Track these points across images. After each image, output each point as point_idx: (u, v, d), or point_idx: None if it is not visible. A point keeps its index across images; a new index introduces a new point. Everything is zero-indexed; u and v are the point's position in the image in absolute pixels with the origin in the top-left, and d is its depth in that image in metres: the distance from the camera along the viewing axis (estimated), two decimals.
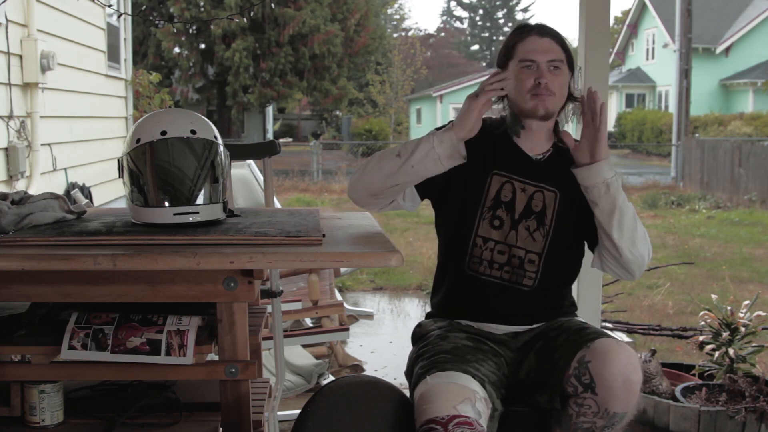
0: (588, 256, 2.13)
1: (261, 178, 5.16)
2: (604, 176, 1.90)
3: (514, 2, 44.68)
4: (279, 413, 2.82)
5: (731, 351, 2.91)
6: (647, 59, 28.81)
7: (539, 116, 1.98)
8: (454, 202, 2.05)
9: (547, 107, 1.97)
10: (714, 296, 3.25)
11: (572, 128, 3.37)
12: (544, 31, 2.00)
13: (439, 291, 2.14)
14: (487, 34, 45.51)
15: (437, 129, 1.98)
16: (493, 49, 43.54)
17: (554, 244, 2.01)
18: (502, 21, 45.01)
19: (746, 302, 3.12)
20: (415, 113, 30.46)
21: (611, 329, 4.07)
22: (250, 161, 5.27)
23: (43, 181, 4.85)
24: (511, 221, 2.01)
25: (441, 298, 2.12)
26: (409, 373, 2.01)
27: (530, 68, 1.96)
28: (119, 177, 1.79)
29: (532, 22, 2.16)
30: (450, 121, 1.97)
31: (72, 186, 5.46)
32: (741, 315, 3.00)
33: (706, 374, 3.03)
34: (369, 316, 5.32)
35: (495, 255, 2.01)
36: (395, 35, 32.95)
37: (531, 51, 1.97)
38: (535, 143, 2.04)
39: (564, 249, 2.04)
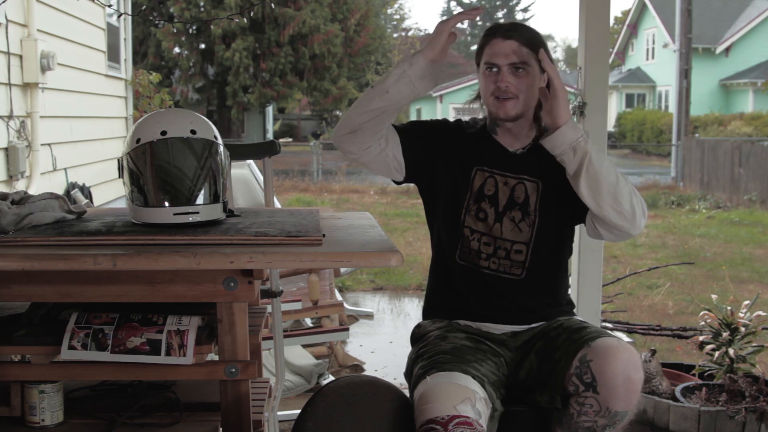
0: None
1: (261, 178, 5.16)
2: (569, 140, 1.88)
3: (514, 2, 44.67)
4: (279, 413, 2.82)
5: (731, 351, 2.90)
6: (647, 59, 28.81)
7: (501, 119, 2.01)
8: (442, 196, 2.08)
9: (507, 111, 1.98)
10: (714, 296, 3.25)
11: None
12: (509, 33, 1.98)
13: (434, 282, 2.16)
14: None
15: None
16: None
17: (541, 232, 2.03)
18: (502, 21, 44.97)
19: (746, 302, 3.11)
20: (415, 113, 30.47)
21: (611, 329, 4.07)
22: (250, 161, 5.27)
23: (43, 181, 4.85)
24: (496, 214, 2.03)
25: (436, 289, 2.14)
26: (408, 374, 2.01)
27: (492, 71, 1.98)
28: (119, 177, 1.79)
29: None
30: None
31: (72, 186, 5.45)
32: (741, 315, 3.00)
33: (706, 374, 3.03)
34: (369, 316, 5.32)
35: (482, 246, 2.04)
36: (395, 35, 32.91)
37: (493, 54, 1.98)
38: (513, 139, 2.06)
39: (552, 237, 2.05)
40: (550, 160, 2.00)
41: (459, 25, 1.99)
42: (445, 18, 1.93)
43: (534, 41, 1.98)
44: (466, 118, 2.18)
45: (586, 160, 1.87)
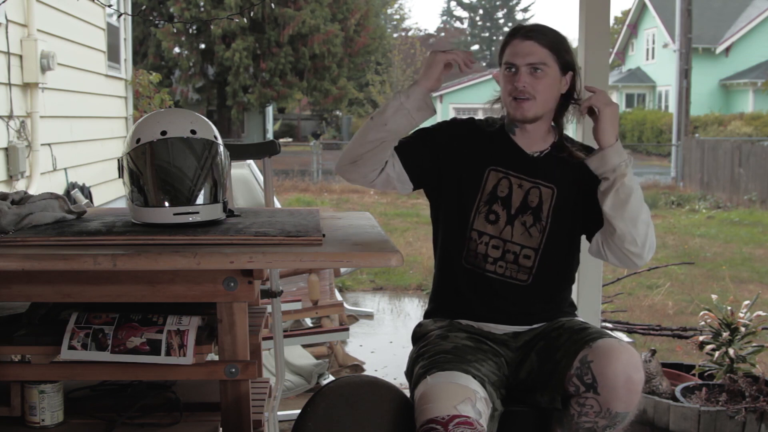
0: (585, 247, 2.13)
1: (261, 178, 5.16)
2: (611, 164, 1.90)
3: (514, 2, 44.67)
4: (279, 413, 2.82)
5: (731, 351, 2.90)
6: (647, 59, 28.81)
7: (518, 120, 2.00)
8: (450, 197, 2.06)
9: (524, 112, 1.97)
10: (714, 296, 3.25)
11: (572, 128, 3.38)
12: (529, 33, 1.98)
13: (438, 285, 2.15)
14: (487, 34, 45.49)
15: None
16: (493, 49, 43.50)
17: (551, 239, 2.02)
18: (502, 21, 45.00)
19: (746, 302, 3.11)
20: None
21: (611, 329, 4.07)
22: (250, 161, 5.27)
23: (43, 181, 4.85)
24: (507, 216, 2.02)
25: (440, 292, 2.13)
26: (409, 373, 2.01)
27: (511, 71, 1.98)
28: (119, 177, 1.79)
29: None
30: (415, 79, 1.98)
31: (72, 186, 5.45)
32: (741, 315, 3.00)
33: (706, 374, 3.03)
34: (369, 316, 5.32)
35: (490, 249, 2.02)
36: (395, 35, 32.94)
37: (512, 55, 1.98)
38: (531, 141, 2.05)
39: (561, 245, 2.04)
40: (567, 167, 2.00)
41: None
42: (441, 50, 1.94)
43: (555, 43, 1.98)
44: (479, 117, 2.17)
45: (618, 183, 1.89)
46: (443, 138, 2.07)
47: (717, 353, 2.95)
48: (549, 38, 1.98)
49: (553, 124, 2.07)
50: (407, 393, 1.94)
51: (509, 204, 2.02)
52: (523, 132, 2.04)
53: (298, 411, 1.89)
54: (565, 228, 2.04)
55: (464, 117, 2.16)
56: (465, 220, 2.03)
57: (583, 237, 2.10)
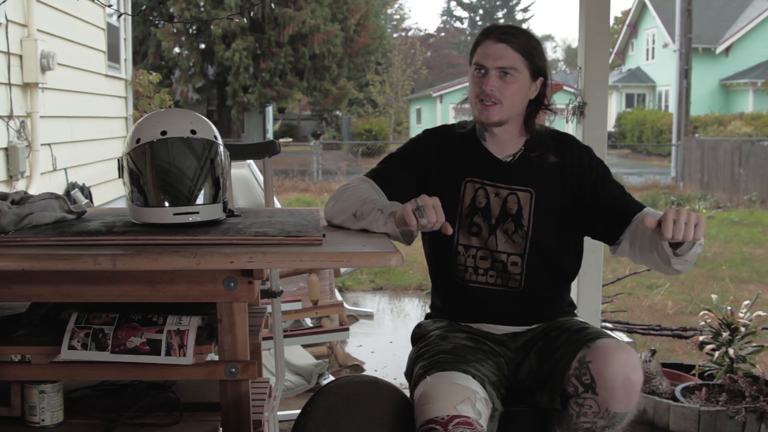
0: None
1: (261, 178, 5.16)
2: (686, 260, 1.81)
3: (514, 2, 44.69)
4: (279, 413, 2.82)
5: (731, 351, 2.90)
6: (647, 59, 28.81)
7: (483, 123, 1.98)
8: None
9: (489, 116, 1.95)
10: (714, 296, 3.25)
11: (572, 127, 3.39)
12: (503, 36, 1.94)
13: (436, 299, 2.15)
14: None
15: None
16: None
17: (535, 243, 2.00)
18: (502, 21, 45.00)
19: (746, 302, 3.12)
20: (415, 113, 30.47)
21: (611, 329, 4.08)
22: (250, 161, 5.28)
23: (43, 181, 4.85)
24: (489, 226, 2.00)
25: (438, 306, 2.14)
26: (408, 374, 2.01)
27: (480, 73, 1.95)
28: (119, 177, 1.79)
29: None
30: (394, 208, 1.79)
31: (72, 186, 5.46)
32: (741, 315, 3.00)
33: (706, 374, 3.03)
34: (369, 316, 5.32)
35: (478, 261, 2.01)
36: (395, 35, 32.96)
37: (483, 56, 1.94)
38: (503, 145, 2.03)
39: (548, 247, 2.02)
40: (542, 169, 1.99)
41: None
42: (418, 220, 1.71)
43: (528, 48, 1.94)
44: (453, 120, 2.15)
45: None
46: (421, 156, 2.04)
47: (717, 353, 2.95)
48: (522, 43, 1.94)
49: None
50: (407, 393, 1.95)
51: (489, 214, 2.00)
52: (493, 137, 2.02)
53: (298, 411, 1.89)
54: (550, 229, 2.01)
55: (436, 126, 2.14)
56: (450, 237, 2.00)
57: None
